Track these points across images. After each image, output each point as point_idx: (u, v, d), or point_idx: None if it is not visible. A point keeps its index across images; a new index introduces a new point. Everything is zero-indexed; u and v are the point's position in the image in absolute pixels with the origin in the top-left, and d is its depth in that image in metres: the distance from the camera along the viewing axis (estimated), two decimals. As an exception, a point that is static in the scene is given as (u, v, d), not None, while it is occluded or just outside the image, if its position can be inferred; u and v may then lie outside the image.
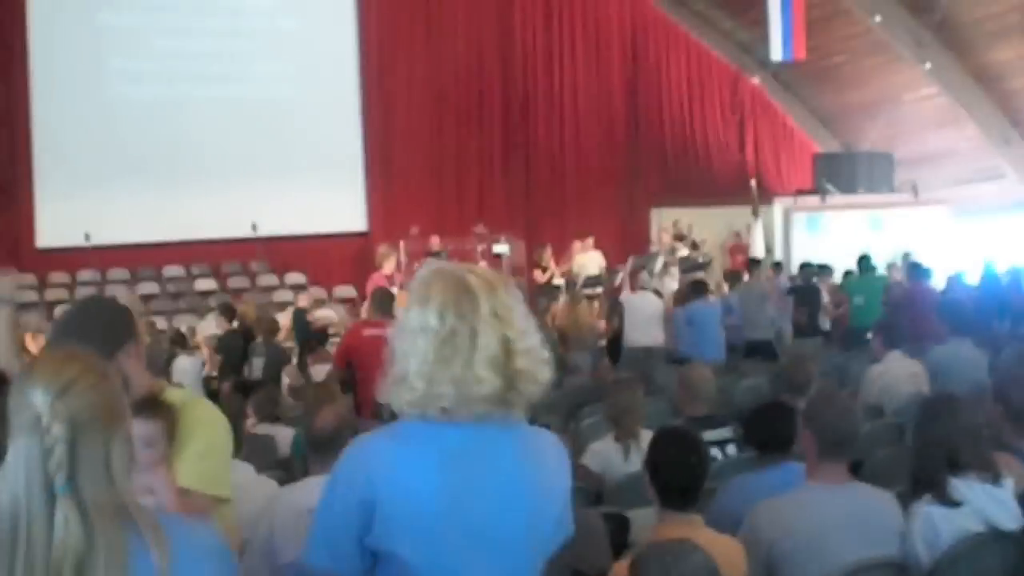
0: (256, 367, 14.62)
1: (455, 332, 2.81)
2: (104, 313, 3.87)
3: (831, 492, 4.73)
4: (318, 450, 5.80)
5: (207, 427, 3.82)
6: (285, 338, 16.09)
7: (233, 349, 14.91)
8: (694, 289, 15.52)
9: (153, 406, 3.90)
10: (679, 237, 22.49)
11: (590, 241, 21.92)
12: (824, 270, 18.56)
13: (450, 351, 2.80)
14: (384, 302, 11.30)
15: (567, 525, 3.08)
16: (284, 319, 16.76)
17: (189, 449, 3.72)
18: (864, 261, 17.08)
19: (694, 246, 22.38)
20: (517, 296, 2.93)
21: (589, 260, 21.53)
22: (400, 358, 2.89)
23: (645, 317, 14.99)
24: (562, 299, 18.19)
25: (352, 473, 2.86)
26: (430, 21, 24.99)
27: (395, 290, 16.11)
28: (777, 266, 19.28)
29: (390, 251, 18.24)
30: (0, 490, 2.28)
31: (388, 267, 17.71)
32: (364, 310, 14.82)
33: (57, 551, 2.24)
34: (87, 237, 20.03)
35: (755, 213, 22.75)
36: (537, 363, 2.89)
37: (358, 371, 10.28)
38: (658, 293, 16.46)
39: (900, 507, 4.80)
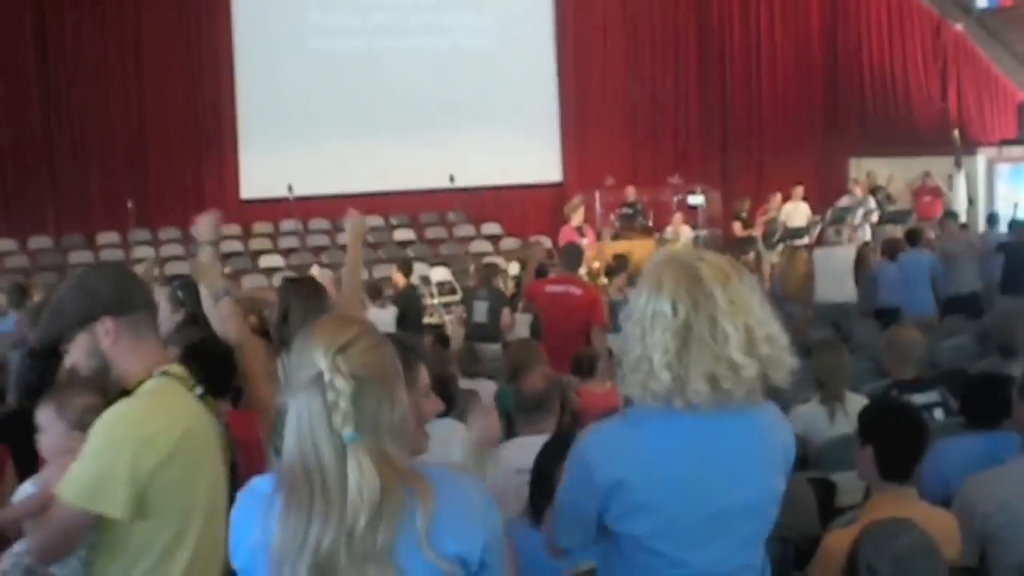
0: (479, 311, 14.79)
1: (689, 323, 2.84)
2: (85, 283, 3.57)
3: None
4: (527, 411, 5.90)
5: (103, 427, 3.35)
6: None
7: (412, 300, 15.03)
8: (909, 239, 15.22)
9: (70, 390, 3.96)
10: (873, 189, 22.09)
11: (800, 190, 21.60)
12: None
13: (694, 343, 2.84)
14: (570, 258, 11.35)
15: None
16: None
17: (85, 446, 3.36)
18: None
19: (888, 198, 21.95)
20: (752, 284, 2.95)
21: (796, 211, 21.22)
22: (634, 343, 2.92)
23: (836, 272, 14.73)
24: (768, 252, 17.96)
25: (593, 458, 2.94)
26: (625, -29, 24.84)
27: (584, 243, 16.27)
28: (991, 219, 18.71)
29: (579, 203, 18.30)
30: (289, 444, 2.39)
31: (576, 219, 17.77)
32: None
33: (354, 497, 2.35)
34: (290, 188, 20.42)
35: (958, 164, 22.20)
36: (780, 350, 2.92)
37: (542, 326, 10.42)
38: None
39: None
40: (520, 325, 12.55)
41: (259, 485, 2.54)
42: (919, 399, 6.89)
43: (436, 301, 18.91)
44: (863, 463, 4.55)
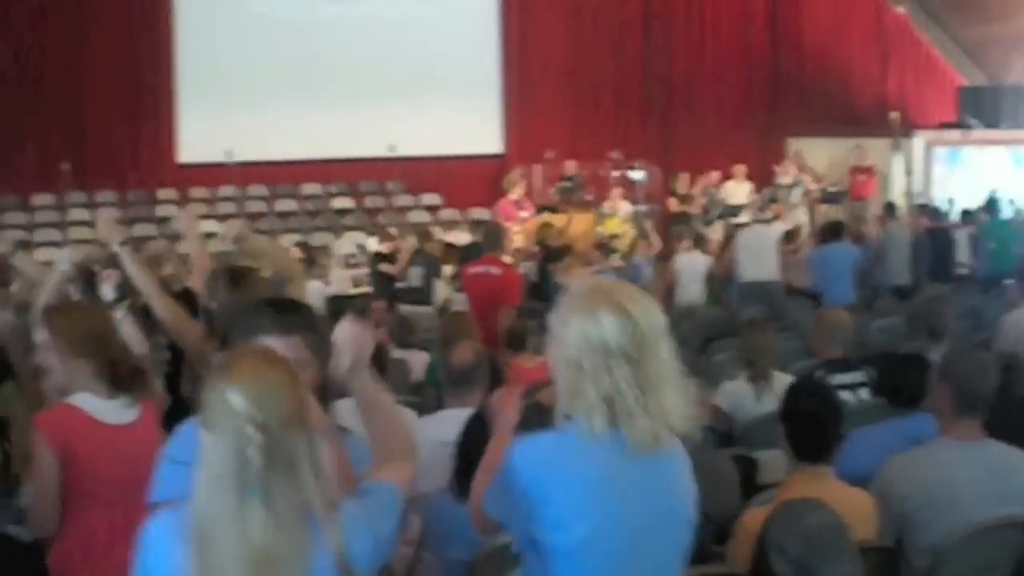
0: (413, 276, 14.85)
1: (619, 354, 2.89)
2: None
3: (966, 449, 4.75)
4: (454, 384, 5.92)
5: None
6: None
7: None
8: (831, 231, 15.35)
9: None
10: (803, 168, 22.25)
11: (742, 169, 21.75)
12: (967, 216, 18.22)
13: (616, 368, 2.90)
14: (492, 238, 11.35)
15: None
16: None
17: None
18: (992, 204, 16.77)
19: (815, 180, 22.06)
20: (662, 323, 3.00)
21: (737, 189, 21.36)
22: (567, 368, 2.98)
23: (761, 250, 14.84)
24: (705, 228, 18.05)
25: (523, 465, 2.98)
26: (571, -58, 24.80)
27: (523, 215, 16.31)
28: (923, 208, 18.85)
29: (518, 176, 18.30)
30: (199, 483, 2.41)
31: (515, 193, 17.79)
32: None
33: (248, 548, 2.35)
34: (228, 154, 20.31)
35: (895, 146, 22.35)
36: (681, 396, 2.96)
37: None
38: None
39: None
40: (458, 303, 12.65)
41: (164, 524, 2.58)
42: (844, 379, 7.00)
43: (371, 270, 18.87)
44: (783, 442, 4.61)
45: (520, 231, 16.67)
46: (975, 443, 4.78)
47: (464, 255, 14.66)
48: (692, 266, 14.83)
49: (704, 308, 13.96)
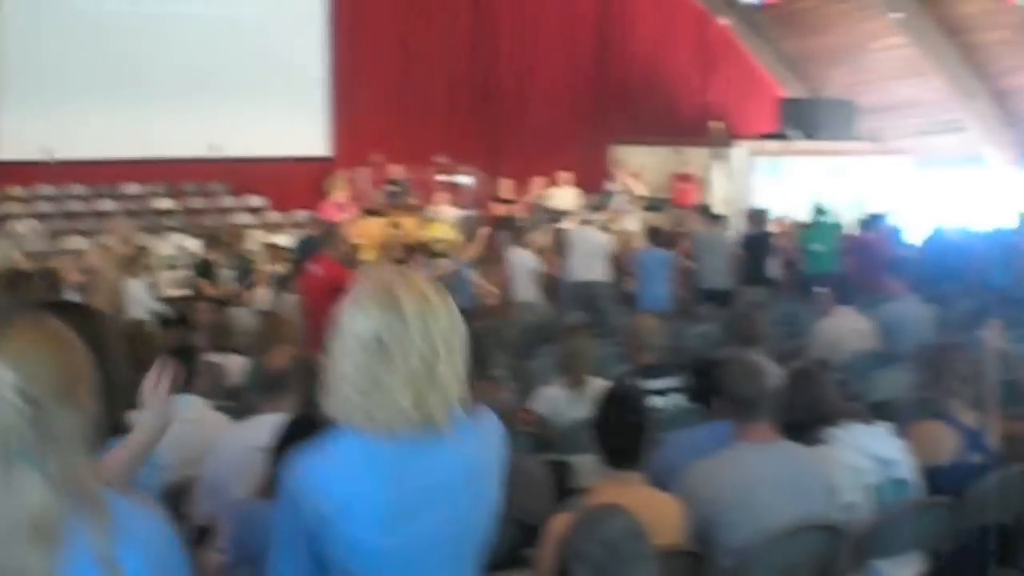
0: (227, 277, 14.68)
1: (380, 344, 2.82)
2: None
3: (760, 451, 4.92)
4: (269, 389, 5.86)
5: None
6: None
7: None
8: (649, 235, 15.60)
9: None
10: (636, 176, 22.53)
11: (568, 176, 21.95)
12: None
13: (377, 364, 2.82)
14: (326, 238, 11.34)
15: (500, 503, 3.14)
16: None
17: None
18: (819, 210, 17.19)
19: (635, 186, 22.31)
20: (449, 308, 2.94)
21: (563, 195, 21.54)
22: (336, 361, 2.90)
23: (587, 252, 15.06)
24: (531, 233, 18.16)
25: (296, 495, 2.87)
26: (400, -54, 24.75)
27: (344, 219, 16.22)
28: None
29: (340, 180, 18.21)
30: None
31: (338, 195, 17.71)
32: None
33: (14, 514, 2.27)
34: (47, 152, 19.84)
35: (716, 155, 22.72)
36: (455, 381, 2.93)
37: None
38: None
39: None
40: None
41: None
42: (657, 384, 7.10)
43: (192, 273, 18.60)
44: (595, 447, 4.65)
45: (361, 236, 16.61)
46: (768, 444, 4.95)
47: (297, 255, 14.59)
48: (524, 264, 14.99)
49: (532, 310, 14.11)
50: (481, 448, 3.04)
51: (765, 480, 4.78)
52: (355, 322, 2.85)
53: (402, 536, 2.85)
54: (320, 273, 10.45)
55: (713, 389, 5.45)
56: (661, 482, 4.83)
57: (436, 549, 2.91)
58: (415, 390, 2.81)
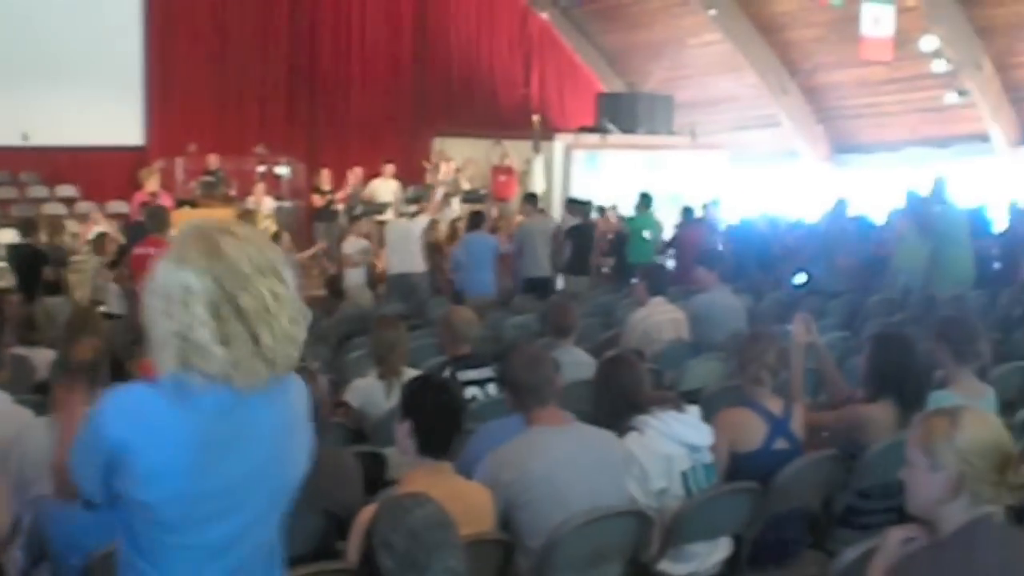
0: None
1: (213, 297, 2.76)
2: None
3: (553, 432, 4.99)
4: (70, 381, 5.70)
5: None
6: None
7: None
8: (472, 221, 15.65)
9: None
10: (459, 168, 22.60)
11: (390, 168, 21.94)
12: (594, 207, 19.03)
13: (212, 316, 2.77)
14: (156, 219, 11.19)
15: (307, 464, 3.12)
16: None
17: None
18: (645, 198, 17.43)
19: (456, 178, 22.37)
20: (277, 256, 2.90)
21: (384, 187, 21.50)
22: (158, 318, 2.83)
23: (403, 244, 15.13)
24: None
25: (109, 418, 2.82)
26: (218, -66, 24.37)
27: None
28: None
29: (155, 168, 17.92)
30: None
31: (150, 185, 17.43)
32: None
33: None
34: None
35: (536, 148, 22.86)
36: (297, 325, 2.88)
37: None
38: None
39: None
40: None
41: None
42: (472, 375, 7.13)
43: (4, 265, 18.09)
44: (401, 437, 4.62)
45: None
46: (560, 426, 5.04)
47: (126, 243, 14.33)
48: (354, 255, 15.10)
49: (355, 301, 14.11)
50: (294, 401, 3.03)
51: (560, 458, 4.86)
52: (175, 275, 2.79)
53: (209, 478, 2.81)
54: (152, 252, 10.29)
55: (502, 380, 5.52)
56: (472, 472, 4.85)
57: (240, 492, 2.87)
58: (238, 343, 2.76)
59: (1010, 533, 3.38)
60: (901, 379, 5.92)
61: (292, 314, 2.87)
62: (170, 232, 11.17)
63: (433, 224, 17.22)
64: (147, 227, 11.37)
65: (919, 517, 3.41)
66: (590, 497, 4.82)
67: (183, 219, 16.41)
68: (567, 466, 4.85)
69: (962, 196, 15.72)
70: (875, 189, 21.86)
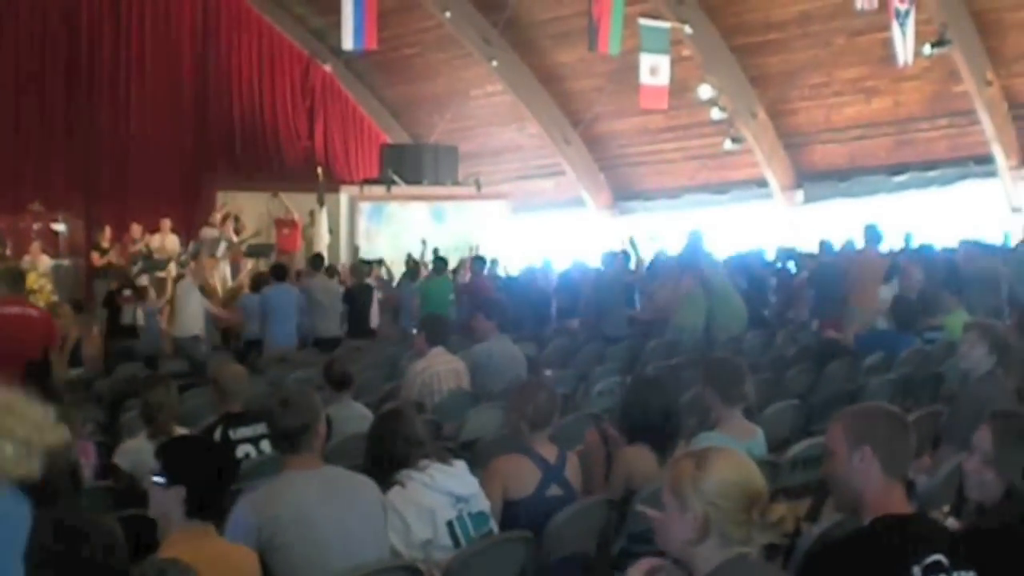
0: None
1: None
2: None
3: (301, 476, 4.99)
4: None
5: None
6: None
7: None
8: (274, 274, 15.47)
9: None
10: (224, 220, 22.34)
11: (167, 223, 21.70)
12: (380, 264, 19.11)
13: None
14: (14, 280, 10.96)
15: None
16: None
17: None
18: (440, 262, 17.43)
19: (237, 232, 22.14)
20: None
21: (164, 242, 21.21)
22: None
23: (190, 303, 14.99)
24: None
25: None
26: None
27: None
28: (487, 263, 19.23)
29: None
30: None
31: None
32: None
33: None
34: None
35: (321, 200, 22.73)
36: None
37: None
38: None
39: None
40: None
41: None
42: (246, 432, 6.99)
43: None
44: (166, 502, 4.48)
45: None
46: (312, 469, 5.05)
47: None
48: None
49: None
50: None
51: (312, 501, 4.87)
52: None
53: None
54: (33, 314, 10.47)
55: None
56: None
57: None
58: None
59: (765, 571, 3.43)
60: (653, 422, 6.04)
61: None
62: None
63: (222, 280, 17.03)
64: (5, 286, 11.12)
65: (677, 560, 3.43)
66: (346, 540, 4.84)
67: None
68: (320, 508, 4.84)
69: (739, 241, 16.12)
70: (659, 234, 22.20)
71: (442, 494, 5.29)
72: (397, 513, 5.19)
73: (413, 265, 18.41)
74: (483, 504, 5.45)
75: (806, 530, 4.88)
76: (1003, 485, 4.20)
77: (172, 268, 19.44)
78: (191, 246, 20.23)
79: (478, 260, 17.93)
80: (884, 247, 14.58)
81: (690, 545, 3.28)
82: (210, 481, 4.50)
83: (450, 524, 5.28)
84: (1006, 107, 20.96)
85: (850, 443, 3.71)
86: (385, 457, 5.49)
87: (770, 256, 17.55)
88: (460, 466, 5.49)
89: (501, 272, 18.90)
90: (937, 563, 3.49)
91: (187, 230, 22.03)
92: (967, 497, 4.65)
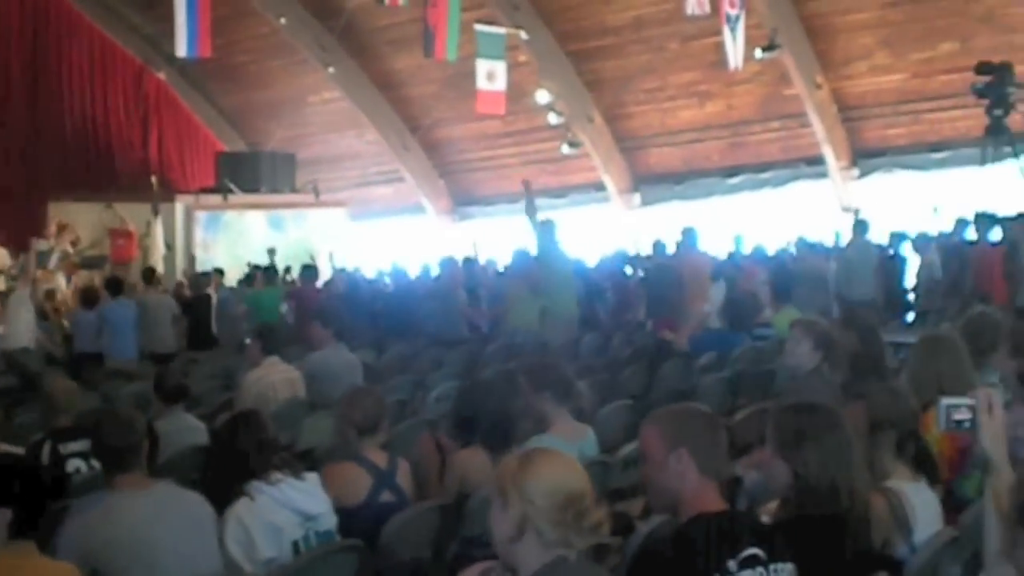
0: None
1: None
2: None
3: (132, 497, 4.94)
4: None
5: None
6: None
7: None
8: (110, 288, 15.22)
9: None
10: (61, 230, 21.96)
11: (-2, 235, 21.17)
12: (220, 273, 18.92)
13: None
14: None
15: None
16: None
17: None
18: (270, 270, 17.35)
19: (73, 243, 21.78)
20: None
21: (-7, 255, 20.69)
22: None
23: (19, 317, 14.73)
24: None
25: None
26: None
27: None
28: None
29: None
30: None
31: None
32: None
33: None
34: None
35: (155, 211, 22.39)
36: None
37: None
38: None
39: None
40: None
41: None
42: (75, 447, 6.87)
43: None
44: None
45: None
46: (142, 489, 4.99)
47: None
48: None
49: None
50: None
51: (145, 521, 4.81)
52: None
53: None
54: None
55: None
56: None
57: None
58: None
59: (586, 573, 3.48)
60: (486, 425, 6.10)
61: None
62: None
63: (48, 293, 16.71)
64: None
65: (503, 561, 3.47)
66: (180, 560, 4.78)
67: None
68: (153, 528, 4.79)
69: (579, 243, 16.27)
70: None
71: (291, 511, 5.21)
72: (243, 527, 5.10)
73: (253, 272, 18.24)
74: (331, 522, 5.40)
75: (639, 528, 4.95)
76: (789, 475, 4.30)
77: (1, 281, 19.04)
78: (21, 258, 19.81)
79: (306, 269, 17.78)
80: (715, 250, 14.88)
81: (511, 543, 3.33)
82: (36, 502, 4.42)
83: (295, 544, 5.23)
84: (835, 109, 21.49)
85: (667, 446, 3.78)
86: (234, 463, 5.38)
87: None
88: (312, 479, 5.44)
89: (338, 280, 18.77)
90: (754, 556, 3.59)
91: (15, 243, 21.48)
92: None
